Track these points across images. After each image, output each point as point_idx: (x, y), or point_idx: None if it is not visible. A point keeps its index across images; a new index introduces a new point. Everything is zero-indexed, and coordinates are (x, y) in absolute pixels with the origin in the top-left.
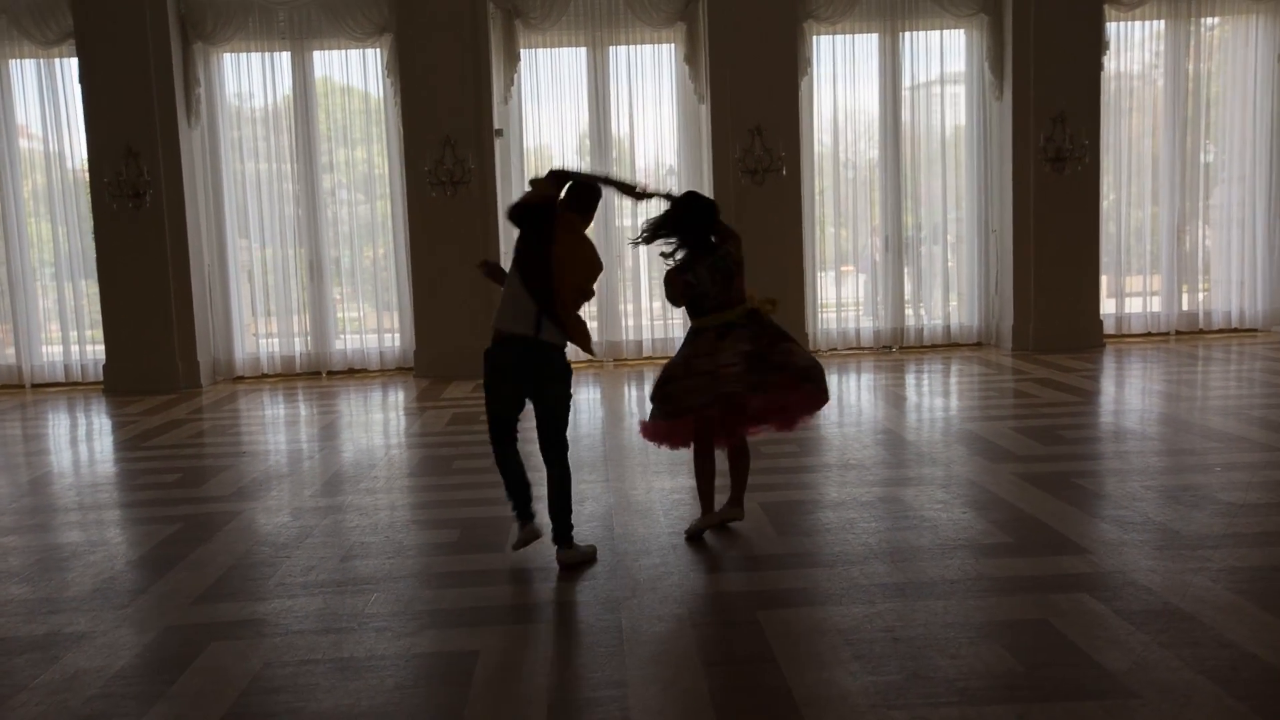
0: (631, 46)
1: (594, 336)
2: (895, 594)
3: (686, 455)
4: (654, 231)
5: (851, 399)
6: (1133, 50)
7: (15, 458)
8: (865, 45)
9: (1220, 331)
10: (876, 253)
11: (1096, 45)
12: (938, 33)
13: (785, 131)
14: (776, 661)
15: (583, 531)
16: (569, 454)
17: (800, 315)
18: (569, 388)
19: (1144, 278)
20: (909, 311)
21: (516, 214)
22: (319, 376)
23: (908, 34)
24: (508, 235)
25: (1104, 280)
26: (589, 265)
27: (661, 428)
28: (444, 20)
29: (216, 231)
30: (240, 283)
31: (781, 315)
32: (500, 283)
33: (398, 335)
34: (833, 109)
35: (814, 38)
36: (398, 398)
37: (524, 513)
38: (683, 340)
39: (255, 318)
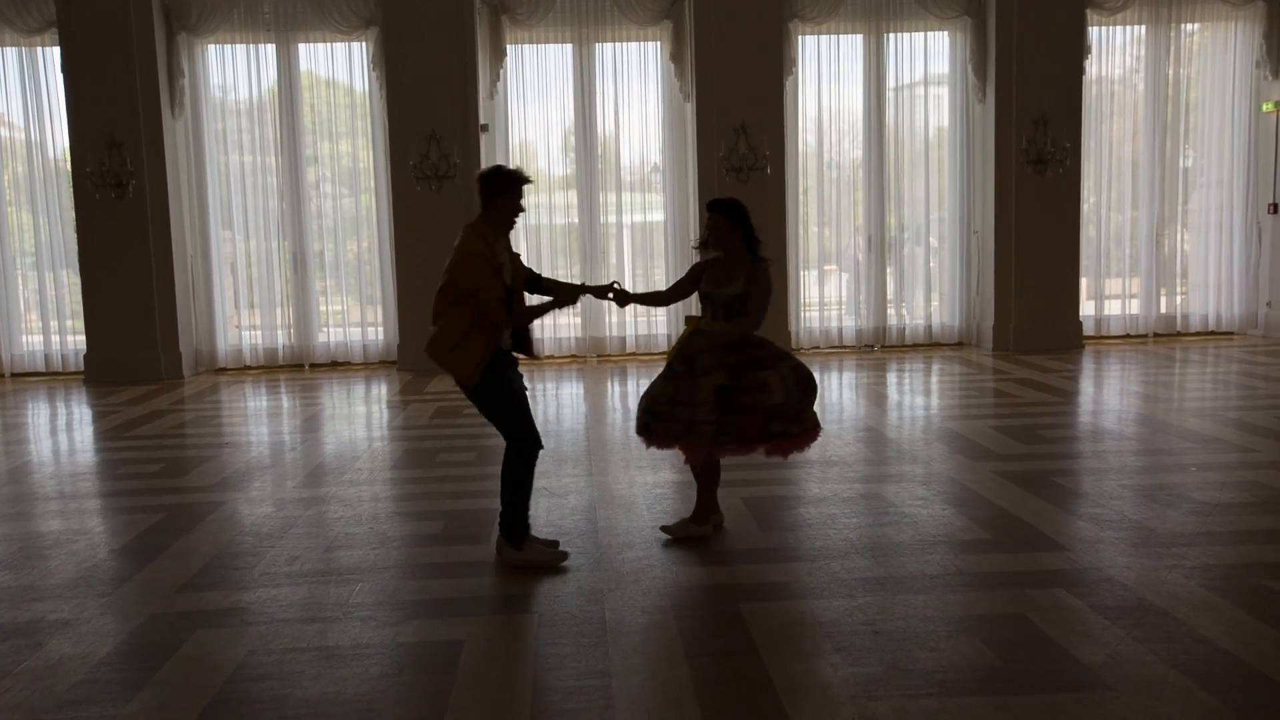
0: (617, 44)
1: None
2: (876, 588)
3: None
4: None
5: (833, 397)
6: (1114, 55)
7: None
8: (850, 46)
9: (1198, 334)
10: (859, 252)
11: (1078, 49)
12: (922, 34)
13: (770, 130)
14: (759, 653)
15: (566, 524)
16: (519, 452)
17: (783, 314)
18: (485, 403)
19: (1123, 280)
20: (891, 311)
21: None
22: (302, 369)
23: (892, 35)
24: None
25: (1084, 282)
26: (451, 266)
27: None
28: (430, 15)
29: (200, 223)
30: (223, 274)
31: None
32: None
33: (381, 329)
34: (817, 109)
35: (799, 37)
36: (381, 391)
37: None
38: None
39: (238, 310)
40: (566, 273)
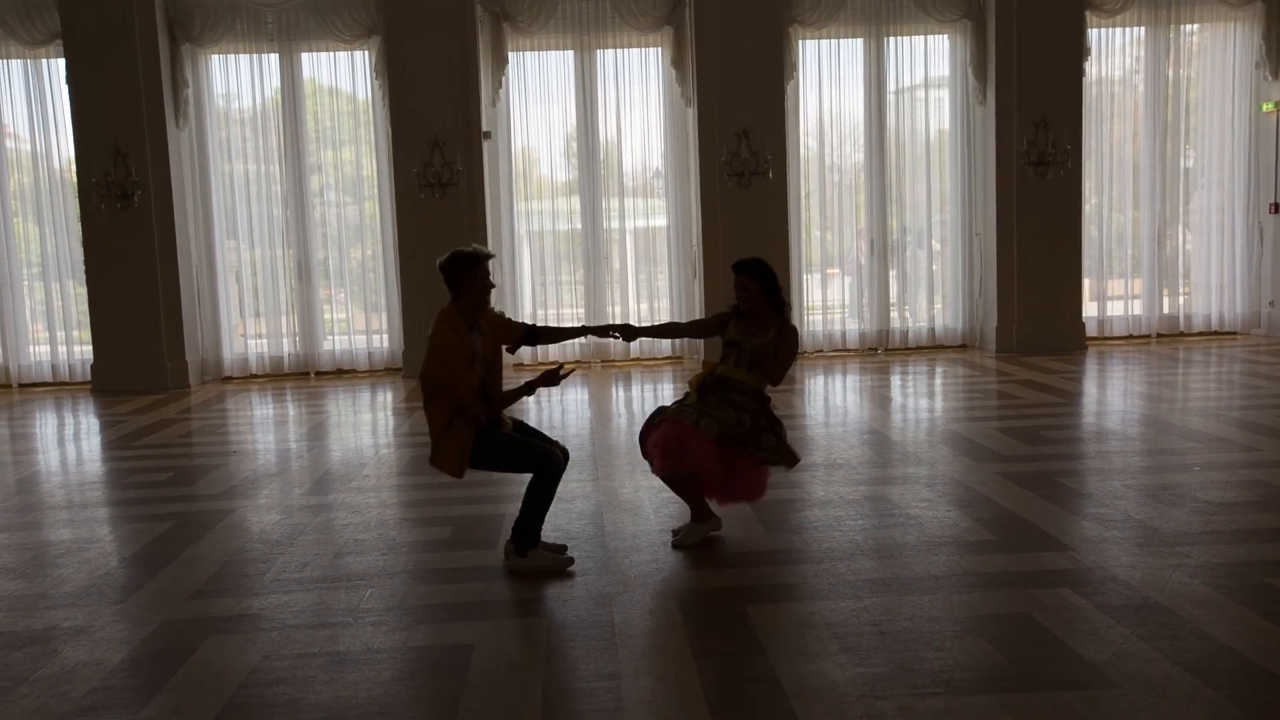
0: (619, 50)
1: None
2: (881, 589)
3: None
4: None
5: (837, 400)
6: (1114, 56)
7: (4, 457)
8: (850, 50)
9: (1200, 334)
10: (862, 256)
11: (1078, 51)
12: (922, 38)
13: (771, 135)
14: (766, 654)
15: (573, 529)
16: (539, 479)
17: None
18: (491, 467)
19: (1125, 281)
20: (894, 314)
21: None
22: (307, 377)
23: (892, 39)
24: (496, 236)
25: (1086, 284)
26: (426, 361)
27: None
28: (432, 22)
29: (204, 232)
30: (228, 283)
31: None
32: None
33: (386, 336)
34: (818, 113)
35: (800, 42)
36: (386, 398)
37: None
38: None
39: (243, 318)
40: (570, 278)
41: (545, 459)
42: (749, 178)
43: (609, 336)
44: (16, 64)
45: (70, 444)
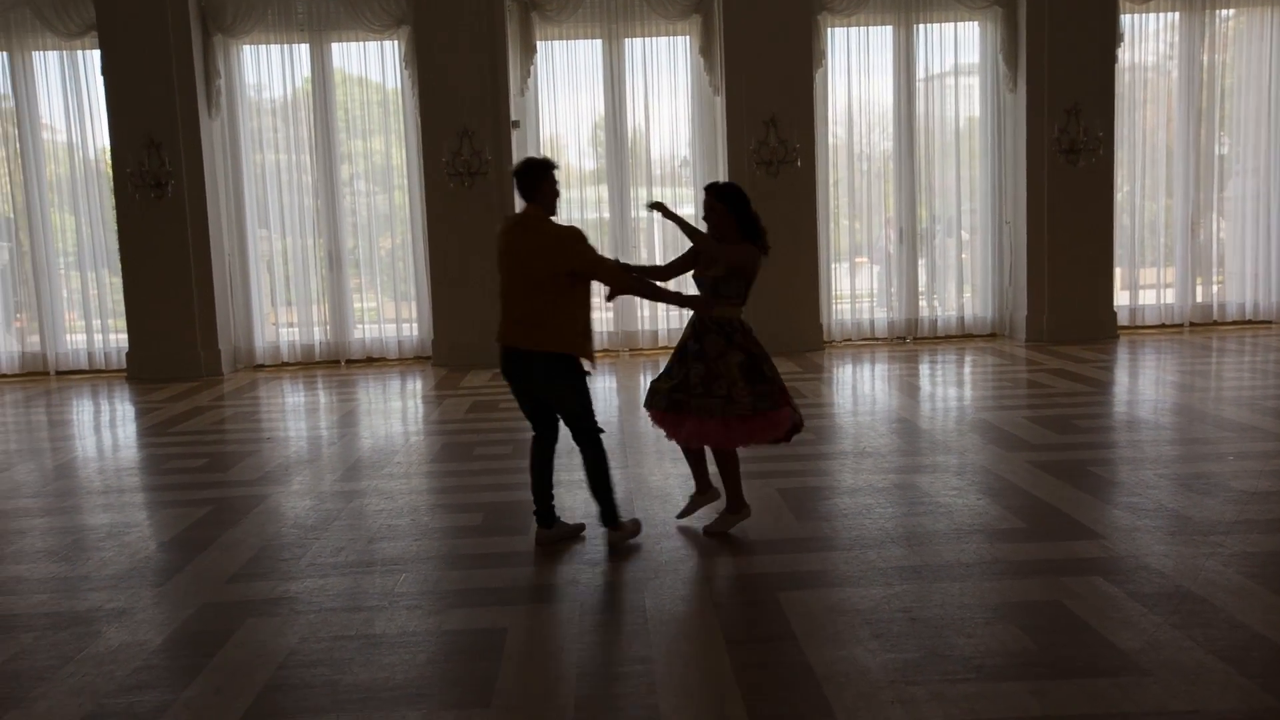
0: (647, 39)
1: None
2: (912, 576)
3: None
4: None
5: (866, 389)
6: (1147, 42)
7: (43, 443)
8: (879, 37)
9: (1234, 323)
10: (890, 244)
11: (1111, 37)
12: (951, 25)
13: (800, 123)
14: (797, 640)
15: None
16: (601, 437)
17: (815, 306)
18: (574, 392)
19: (1158, 269)
20: (923, 303)
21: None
22: (338, 365)
23: (922, 26)
24: None
25: (1118, 272)
26: (561, 254)
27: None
28: (461, 12)
29: (236, 221)
30: (260, 272)
31: (796, 307)
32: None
33: (415, 324)
34: (847, 101)
35: (828, 30)
36: (416, 386)
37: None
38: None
39: (275, 307)
40: None
41: (594, 424)
42: (777, 166)
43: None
44: (53, 55)
45: (107, 431)
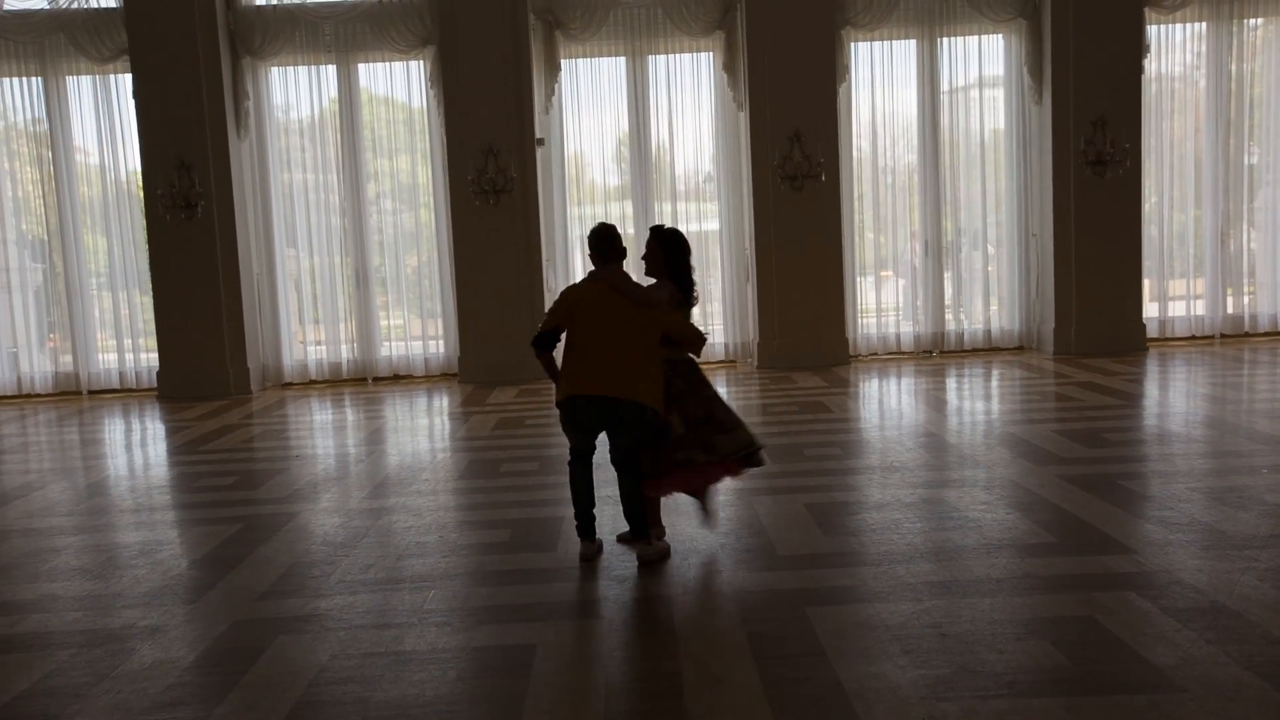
0: (670, 55)
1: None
2: (941, 591)
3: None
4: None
5: (892, 403)
6: (1174, 52)
7: (75, 461)
8: (903, 51)
9: (1266, 335)
10: (916, 257)
11: (1137, 48)
12: (975, 38)
13: (824, 137)
14: (826, 656)
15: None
16: (637, 465)
17: (840, 320)
18: (643, 425)
19: (1187, 281)
20: (949, 316)
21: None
22: (365, 383)
23: (946, 39)
24: (550, 243)
25: (1146, 284)
26: (657, 311)
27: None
28: (486, 32)
29: (265, 241)
30: (288, 291)
31: (822, 322)
32: None
33: (442, 341)
34: (871, 114)
35: (852, 44)
36: (443, 403)
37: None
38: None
39: (303, 325)
40: None
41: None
42: (801, 181)
43: None
44: (85, 80)
45: (138, 449)
